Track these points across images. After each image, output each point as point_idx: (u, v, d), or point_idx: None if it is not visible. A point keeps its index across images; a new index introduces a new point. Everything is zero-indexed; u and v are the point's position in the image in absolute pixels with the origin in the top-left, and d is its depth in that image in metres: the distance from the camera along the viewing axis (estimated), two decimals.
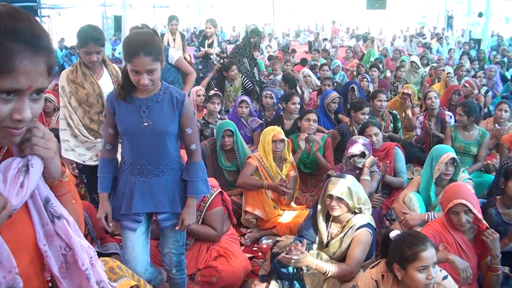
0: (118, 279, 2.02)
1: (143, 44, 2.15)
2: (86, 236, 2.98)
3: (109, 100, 2.38)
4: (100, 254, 2.97)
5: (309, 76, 8.19)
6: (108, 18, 21.80)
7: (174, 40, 7.26)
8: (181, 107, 2.33)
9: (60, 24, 22.17)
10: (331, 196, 2.95)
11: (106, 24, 21.71)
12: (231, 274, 3.19)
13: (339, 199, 2.93)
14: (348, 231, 2.95)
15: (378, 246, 2.86)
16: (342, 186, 2.95)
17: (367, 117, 4.91)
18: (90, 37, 3.24)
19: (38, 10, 16.75)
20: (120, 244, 2.87)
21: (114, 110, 2.34)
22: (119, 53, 17.10)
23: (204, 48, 7.58)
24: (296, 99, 5.42)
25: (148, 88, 2.24)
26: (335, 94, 5.85)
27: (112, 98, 2.36)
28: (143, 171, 2.38)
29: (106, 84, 3.49)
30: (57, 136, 3.32)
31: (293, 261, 2.69)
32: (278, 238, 3.53)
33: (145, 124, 2.29)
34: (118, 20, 21.71)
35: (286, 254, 2.72)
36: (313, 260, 2.75)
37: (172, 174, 2.43)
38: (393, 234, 2.47)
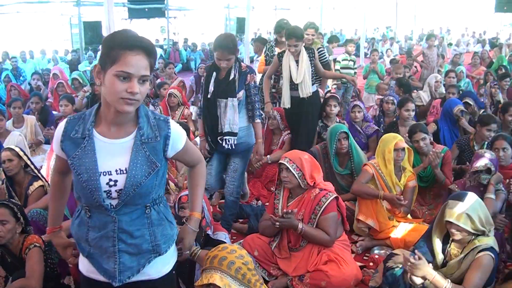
0: None
1: None
2: (201, 220, 3.12)
3: None
4: (210, 239, 3.17)
5: (441, 82, 7.77)
6: (231, 20, 22.59)
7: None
8: None
9: (185, 24, 23.45)
10: (449, 222, 2.78)
11: (229, 26, 22.52)
12: (342, 280, 3.15)
13: (458, 225, 2.75)
14: (469, 253, 2.75)
15: (499, 273, 2.65)
16: (459, 210, 2.72)
17: (492, 134, 4.55)
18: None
19: (166, 12, 17.80)
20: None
21: None
22: (240, 53, 17.69)
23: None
24: (411, 105, 5.22)
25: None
26: (460, 107, 5.46)
27: None
28: None
29: None
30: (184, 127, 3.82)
31: (410, 264, 2.58)
32: (393, 251, 3.42)
33: None
34: (240, 22, 22.46)
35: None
36: (431, 271, 2.61)
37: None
38: None
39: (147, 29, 22.96)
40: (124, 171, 1.80)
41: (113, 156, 1.80)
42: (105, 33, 12.31)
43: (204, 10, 22.06)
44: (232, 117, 3.75)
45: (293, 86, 5.00)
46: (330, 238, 3.31)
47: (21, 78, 11.02)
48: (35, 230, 3.24)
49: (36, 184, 3.95)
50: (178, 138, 1.93)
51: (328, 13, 22.09)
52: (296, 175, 3.31)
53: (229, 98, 3.71)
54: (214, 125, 3.85)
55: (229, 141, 3.79)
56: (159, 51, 17.13)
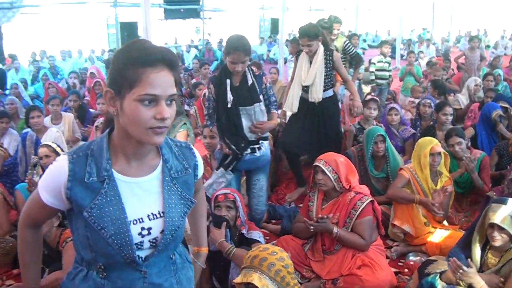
0: None
1: None
2: (235, 219, 3.17)
3: None
4: (244, 238, 3.16)
5: (481, 86, 7.57)
6: (265, 20, 22.64)
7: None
8: None
9: (219, 25, 23.60)
10: (492, 225, 2.70)
11: (263, 27, 22.58)
12: (376, 286, 3.10)
13: (501, 229, 2.67)
14: (508, 262, 2.68)
15: None
16: (503, 213, 2.67)
17: None
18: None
19: (201, 13, 17.96)
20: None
21: None
22: (274, 54, 17.70)
23: None
24: (449, 109, 5.07)
25: None
26: (499, 111, 5.28)
27: None
28: None
29: None
30: None
31: (462, 272, 2.52)
32: (430, 258, 3.35)
33: None
34: (274, 23, 22.48)
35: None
36: (480, 279, 2.55)
37: None
38: None
39: (182, 29, 23.25)
40: (158, 215, 1.50)
41: (141, 199, 1.49)
42: (141, 33, 12.52)
43: (239, 11, 22.14)
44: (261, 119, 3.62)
45: (305, 88, 4.64)
46: (365, 243, 3.27)
47: (58, 76, 11.33)
48: None
49: None
50: (201, 165, 1.69)
51: (363, 14, 21.88)
52: (331, 178, 3.28)
53: (255, 104, 3.55)
54: (238, 138, 3.60)
55: (261, 147, 3.69)
56: (193, 52, 17.33)
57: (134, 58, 1.35)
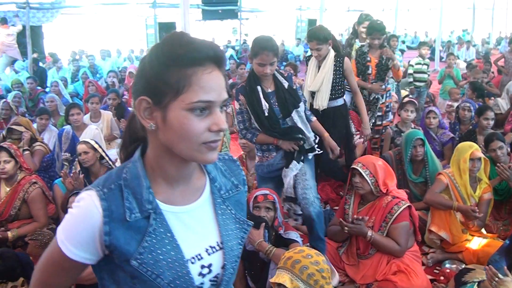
0: None
1: None
2: (273, 219, 3.18)
3: None
4: (281, 239, 3.16)
5: None
6: (302, 21, 22.55)
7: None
8: None
9: (256, 26, 23.64)
10: None
11: (300, 27, 22.50)
12: None
13: None
14: None
15: None
16: None
17: None
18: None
19: (239, 13, 18.05)
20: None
21: None
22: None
23: None
24: (490, 114, 4.96)
25: None
26: None
27: None
28: None
29: None
30: None
31: (498, 280, 2.47)
32: (467, 266, 3.28)
33: None
34: (312, 24, 22.35)
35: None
36: None
37: None
38: None
39: (219, 30, 23.42)
40: (217, 247, 1.22)
41: (195, 230, 1.20)
42: None
43: (276, 11, 22.14)
44: (305, 130, 3.37)
45: (313, 95, 4.30)
46: (401, 248, 3.23)
47: (97, 75, 11.60)
48: None
49: None
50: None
51: (402, 14, 21.55)
52: (369, 181, 3.25)
53: (294, 111, 3.30)
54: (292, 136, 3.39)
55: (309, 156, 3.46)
56: (230, 52, 17.44)
57: (179, 57, 1.06)
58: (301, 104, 3.34)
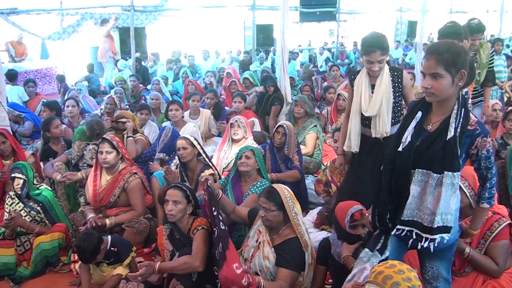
0: None
1: None
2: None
3: None
4: None
5: None
6: (402, 23, 21.88)
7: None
8: None
9: (354, 28, 23.30)
10: None
11: (400, 29, 21.84)
12: None
13: None
14: None
15: None
16: None
17: None
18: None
19: (337, 15, 17.88)
20: None
21: None
22: (410, 59, 17.06)
23: None
24: None
25: None
26: None
27: None
28: None
29: None
30: None
31: None
32: None
33: None
34: (412, 25, 21.60)
35: None
36: None
37: None
38: None
39: (315, 32, 23.36)
40: None
41: None
42: (277, 35, 12.75)
43: (375, 13, 21.62)
44: (449, 201, 2.32)
45: (365, 122, 3.68)
46: (498, 269, 3.04)
47: (196, 75, 12.06)
48: (203, 213, 3.50)
49: (207, 172, 4.29)
50: None
51: (509, 16, 20.11)
52: (467, 194, 3.07)
53: (446, 173, 2.29)
54: (396, 205, 2.49)
55: (433, 241, 2.37)
56: (326, 54, 17.38)
57: None
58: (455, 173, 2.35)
